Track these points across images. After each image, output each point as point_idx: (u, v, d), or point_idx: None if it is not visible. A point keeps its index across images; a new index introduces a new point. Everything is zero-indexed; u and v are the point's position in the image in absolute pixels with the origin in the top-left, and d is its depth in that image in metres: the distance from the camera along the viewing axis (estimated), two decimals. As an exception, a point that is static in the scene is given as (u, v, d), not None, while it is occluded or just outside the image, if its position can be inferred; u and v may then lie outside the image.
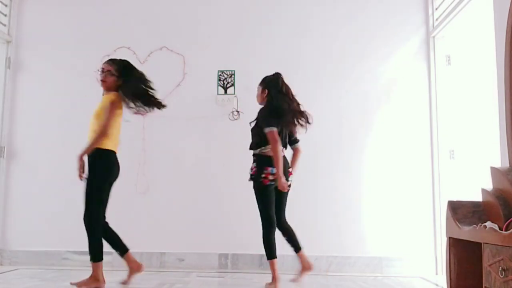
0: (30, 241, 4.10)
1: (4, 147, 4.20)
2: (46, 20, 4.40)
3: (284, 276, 3.70)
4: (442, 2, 3.94)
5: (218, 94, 4.22)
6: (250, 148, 3.32)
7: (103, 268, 3.35)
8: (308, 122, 3.33)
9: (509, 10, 2.17)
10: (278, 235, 3.31)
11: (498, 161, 2.61)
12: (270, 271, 3.25)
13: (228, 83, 4.23)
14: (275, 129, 3.17)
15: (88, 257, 3.07)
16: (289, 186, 3.31)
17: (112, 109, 3.07)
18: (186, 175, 4.13)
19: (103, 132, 3.03)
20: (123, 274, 3.37)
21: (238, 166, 3.72)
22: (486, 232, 1.84)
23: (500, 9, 2.69)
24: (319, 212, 4.03)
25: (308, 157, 4.08)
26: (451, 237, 2.22)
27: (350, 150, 4.10)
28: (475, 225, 1.99)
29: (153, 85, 3.26)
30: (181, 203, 4.09)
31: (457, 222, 2.15)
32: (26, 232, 4.12)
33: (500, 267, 1.72)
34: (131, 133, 3.92)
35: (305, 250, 3.96)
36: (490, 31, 2.91)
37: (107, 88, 3.19)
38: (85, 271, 3.30)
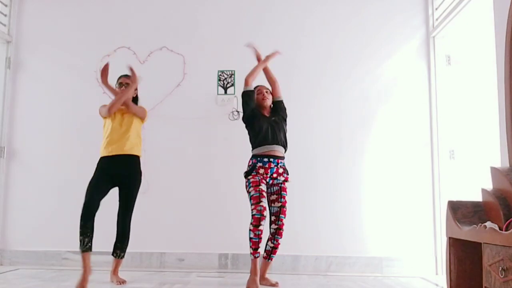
0: (30, 241, 4.09)
1: (4, 147, 4.20)
2: (46, 20, 4.40)
3: (285, 276, 3.71)
4: (442, 2, 3.94)
5: (218, 94, 4.22)
6: (275, 143, 3.30)
7: (105, 268, 3.36)
8: None
9: (509, 10, 2.18)
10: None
11: (498, 161, 2.61)
12: (270, 271, 3.28)
13: (228, 83, 4.23)
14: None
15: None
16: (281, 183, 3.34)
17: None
18: (186, 175, 4.13)
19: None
20: (123, 274, 3.39)
21: (238, 166, 3.71)
22: (486, 232, 1.84)
23: (500, 9, 2.69)
24: (319, 212, 4.03)
25: (308, 157, 4.10)
26: (451, 237, 2.22)
27: (350, 150, 4.10)
28: (475, 225, 1.99)
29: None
30: (181, 203, 4.09)
31: (457, 222, 2.15)
32: (26, 232, 4.12)
33: (500, 267, 1.72)
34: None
35: (305, 250, 3.99)
36: (490, 31, 2.91)
37: (128, 99, 3.38)
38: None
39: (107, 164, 3.25)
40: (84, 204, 3.09)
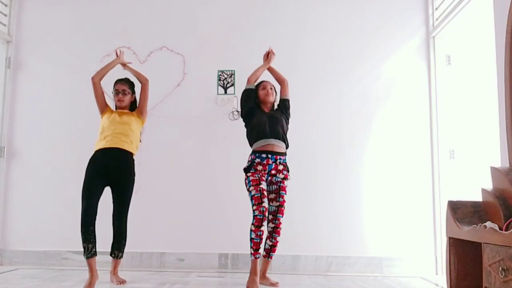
0: (30, 241, 4.09)
1: (4, 147, 4.20)
2: (46, 20, 4.40)
3: (285, 276, 3.71)
4: (442, 2, 3.94)
5: (218, 94, 4.22)
6: (273, 137, 3.26)
7: (105, 268, 3.36)
8: None
9: (509, 10, 2.18)
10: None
11: (498, 161, 2.61)
12: (270, 271, 3.29)
13: (228, 83, 4.23)
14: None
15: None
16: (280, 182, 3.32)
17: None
18: (186, 175, 4.13)
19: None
20: (123, 274, 3.39)
21: (238, 166, 3.71)
22: (486, 232, 1.84)
23: (500, 9, 2.69)
24: (319, 212, 4.03)
25: (308, 157, 4.10)
26: (451, 237, 2.22)
27: (350, 150, 4.10)
28: (475, 225, 1.99)
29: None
30: (181, 203, 4.09)
31: (457, 222, 2.15)
32: (26, 232, 4.11)
33: (500, 267, 1.72)
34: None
35: (305, 250, 3.99)
36: (490, 31, 2.91)
37: (126, 106, 3.38)
38: (85, 271, 3.31)
39: (99, 159, 3.19)
40: (83, 212, 3.07)
